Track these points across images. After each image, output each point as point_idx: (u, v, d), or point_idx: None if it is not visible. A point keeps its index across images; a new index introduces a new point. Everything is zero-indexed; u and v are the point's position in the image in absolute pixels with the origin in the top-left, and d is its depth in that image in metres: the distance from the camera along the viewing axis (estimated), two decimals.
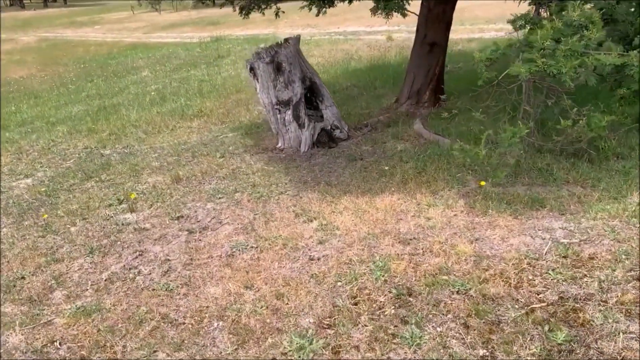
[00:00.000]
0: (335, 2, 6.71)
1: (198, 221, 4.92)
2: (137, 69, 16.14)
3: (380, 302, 3.42)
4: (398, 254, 3.94)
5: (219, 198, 5.38)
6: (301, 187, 5.41)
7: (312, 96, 6.75)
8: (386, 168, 5.54)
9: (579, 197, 4.47)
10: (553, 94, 4.89)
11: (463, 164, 5.34)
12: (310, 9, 6.80)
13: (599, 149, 4.96)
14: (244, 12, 7.08)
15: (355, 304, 3.43)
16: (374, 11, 6.44)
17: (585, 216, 4.19)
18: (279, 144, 6.75)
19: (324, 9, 6.85)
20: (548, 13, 5.01)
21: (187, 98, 10.50)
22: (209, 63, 15.56)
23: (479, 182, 4.74)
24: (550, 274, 3.50)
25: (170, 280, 3.96)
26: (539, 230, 4.07)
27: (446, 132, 6.51)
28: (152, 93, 11.49)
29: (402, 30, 18.42)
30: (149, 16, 38.43)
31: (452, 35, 14.95)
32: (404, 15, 5.57)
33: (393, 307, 3.36)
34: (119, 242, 4.67)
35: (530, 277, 3.50)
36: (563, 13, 4.02)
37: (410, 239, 4.13)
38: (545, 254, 3.73)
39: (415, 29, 7.48)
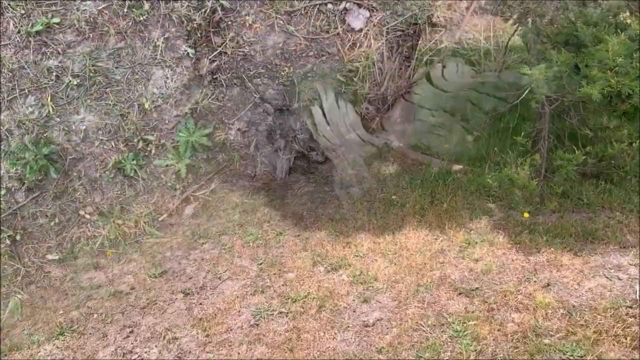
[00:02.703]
0: None
1: (190, 278, 3.96)
2: None
3: None
4: (469, 311, 3.29)
5: (203, 244, 4.42)
6: (300, 224, 4.61)
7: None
8: (393, 197, 4.88)
9: (627, 225, 4.10)
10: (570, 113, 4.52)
11: (477, 190, 4.83)
12: None
13: (625, 170, 4.65)
14: None
15: None
16: None
17: None
18: (249, 171, 5.85)
19: None
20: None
21: None
22: None
23: (522, 213, 4.22)
24: None
25: None
26: (610, 269, 3.61)
27: (434, 152, 5.97)
28: None
29: None
30: None
31: None
32: None
33: None
34: (95, 315, 3.59)
35: None
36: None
37: (472, 290, 3.50)
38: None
39: None
